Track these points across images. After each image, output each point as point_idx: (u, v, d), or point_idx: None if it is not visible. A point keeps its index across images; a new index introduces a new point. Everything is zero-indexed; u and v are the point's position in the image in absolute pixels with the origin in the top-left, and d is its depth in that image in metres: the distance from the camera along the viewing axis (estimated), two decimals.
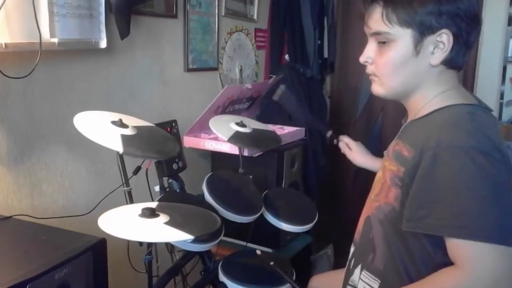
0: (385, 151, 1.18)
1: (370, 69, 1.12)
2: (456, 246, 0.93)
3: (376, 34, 1.06)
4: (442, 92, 1.06)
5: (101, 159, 1.69)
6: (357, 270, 1.17)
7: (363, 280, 1.14)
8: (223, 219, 1.39)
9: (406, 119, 1.17)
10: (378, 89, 1.12)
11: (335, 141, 1.63)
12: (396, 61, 1.05)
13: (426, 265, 1.00)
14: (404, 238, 1.03)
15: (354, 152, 1.58)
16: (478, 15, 1.03)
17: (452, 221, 0.92)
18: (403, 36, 1.03)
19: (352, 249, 1.22)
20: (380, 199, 1.10)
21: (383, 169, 1.12)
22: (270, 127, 2.13)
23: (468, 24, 1.01)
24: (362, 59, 1.12)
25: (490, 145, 0.93)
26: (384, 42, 1.06)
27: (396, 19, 1.02)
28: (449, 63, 1.04)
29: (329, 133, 1.65)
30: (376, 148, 2.95)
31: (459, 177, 0.92)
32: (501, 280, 0.90)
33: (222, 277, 1.42)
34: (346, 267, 1.24)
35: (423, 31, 1.01)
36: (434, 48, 1.03)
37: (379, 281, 1.10)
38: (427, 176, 0.96)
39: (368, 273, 1.12)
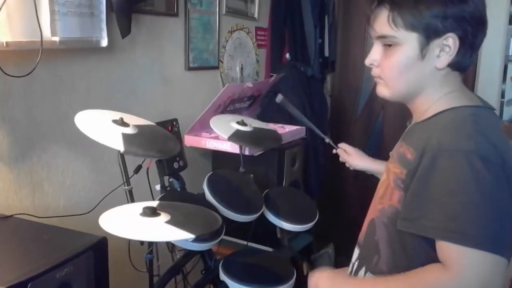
0: (391, 152, 1.18)
1: (375, 71, 1.11)
2: (446, 249, 0.92)
3: (382, 37, 1.06)
4: (446, 94, 1.06)
5: (102, 158, 1.69)
6: (361, 273, 1.16)
7: None
8: (224, 218, 1.39)
9: (410, 121, 1.17)
10: (383, 91, 1.11)
11: (333, 150, 1.65)
12: (401, 65, 1.05)
13: None
14: (407, 241, 1.02)
15: (353, 155, 1.59)
16: (484, 17, 1.02)
17: (445, 225, 0.91)
18: (409, 40, 1.02)
19: (356, 251, 1.22)
20: (384, 202, 1.10)
21: (387, 171, 1.11)
22: (271, 126, 2.13)
23: (474, 27, 1.00)
24: (367, 61, 1.11)
25: (490, 150, 0.92)
26: (390, 45, 1.05)
27: (402, 23, 1.01)
28: (455, 65, 1.04)
29: (327, 140, 1.67)
30: (377, 147, 2.98)
31: (455, 181, 0.92)
32: (488, 287, 0.90)
33: (223, 276, 1.42)
34: (350, 269, 1.23)
35: (429, 34, 1.00)
36: (440, 52, 1.02)
37: None
38: (424, 177, 0.96)
39: (372, 276, 1.12)
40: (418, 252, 1.01)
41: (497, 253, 0.89)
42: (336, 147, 1.63)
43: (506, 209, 0.93)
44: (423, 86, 1.07)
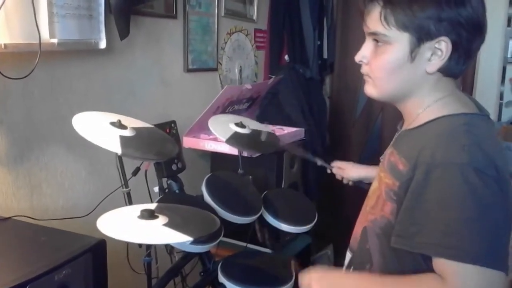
0: (381, 157, 1.16)
1: (364, 69, 1.08)
2: (444, 264, 0.91)
3: (373, 34, 1.03)
4: (439, 99, 1.02)
5: (100, 160, 1.68)
6: None
7: None
8: (223, 220, 1.39)
9: (401, 125, 1.15)
10: (371, 90, 1.08)
11: (328, 170, 1.68)
12: (390, 65, 1.01)
13: None
14: (398, 251, 1.00)
15: (347, 169, 1.61)
16: (482, 23, 0.98)
17: (441, 241, 0.90)
18: (400, 40, 0.98)
19: (348, 255, 1.21)
20: (375, 212, 1.08)
21: (379, 180, 1.09)
22: (270, 127, 2.13)
23: (470, 33, 0.96)
24: (357, 58, 1.08)
25: (485, 161, 0.90)
26: (380, 44, 1.02)
27: (394, 22, 0.97)
28: (447, 71, 1.00)
29: (319, 162, 1.69)
30: (376, 149, 2.98)
31: (449, 196, 0.90)
32: None
33: (222, 278, 1.42)
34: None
35: (421, 36, 0.97)
36: (431, 55, 0.98)
37: None
38: (418, 192, 0.93)
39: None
40: (410, 263, 1.00)
41: (495, 267, 0.88)
42: (329, 167, 1.67)
43: (501, 221, 0.91)
44: (413, 90, 1.04)
